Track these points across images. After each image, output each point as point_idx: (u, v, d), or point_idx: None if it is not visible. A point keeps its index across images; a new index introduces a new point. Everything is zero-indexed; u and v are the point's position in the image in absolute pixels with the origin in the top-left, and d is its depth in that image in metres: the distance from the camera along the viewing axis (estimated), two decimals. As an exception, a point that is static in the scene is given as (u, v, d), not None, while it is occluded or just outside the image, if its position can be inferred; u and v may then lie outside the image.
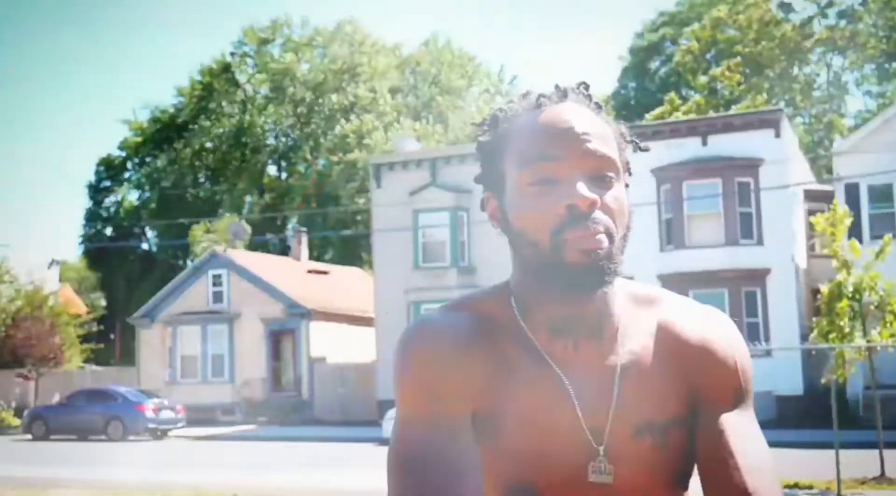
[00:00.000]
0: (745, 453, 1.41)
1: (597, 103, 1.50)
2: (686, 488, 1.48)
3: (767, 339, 25.24)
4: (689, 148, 27.63)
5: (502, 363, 1.45)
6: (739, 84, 45.46)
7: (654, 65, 60.93)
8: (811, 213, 26.50)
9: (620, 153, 1.47)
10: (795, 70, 46.17)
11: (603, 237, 1.39)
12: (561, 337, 1.45)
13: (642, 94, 59.84)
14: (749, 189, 26.96)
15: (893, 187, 26.97)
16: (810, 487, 13.78)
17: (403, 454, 1.38)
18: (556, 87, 1.51)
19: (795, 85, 45.28)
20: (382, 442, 23.10)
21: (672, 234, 27.41)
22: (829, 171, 32.68)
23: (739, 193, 26.85)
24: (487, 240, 29.64)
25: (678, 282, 26.43)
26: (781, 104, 42.74)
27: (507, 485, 1.45)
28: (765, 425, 1.68)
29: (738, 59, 45.18)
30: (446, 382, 1.42)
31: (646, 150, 1.58)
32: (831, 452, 12.73)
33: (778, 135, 27.28)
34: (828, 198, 26.73)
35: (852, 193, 27.32)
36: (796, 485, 13.89)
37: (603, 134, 1.44)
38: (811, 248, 28.54)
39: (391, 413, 23.25)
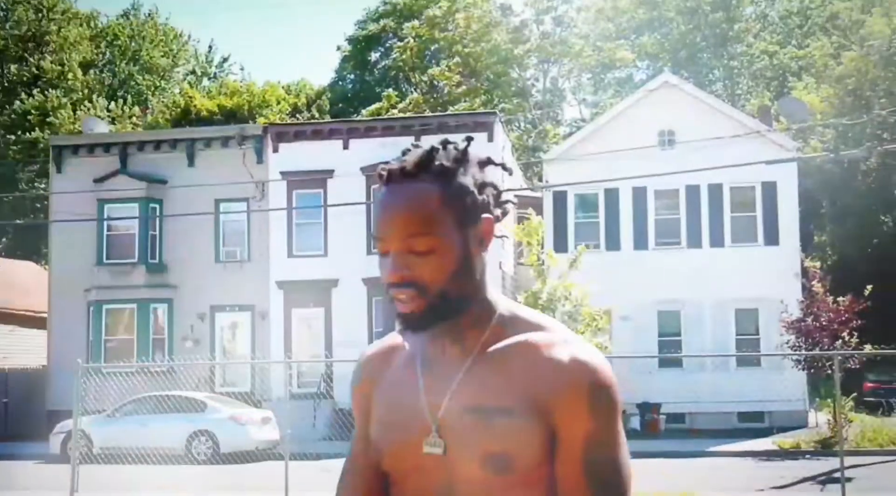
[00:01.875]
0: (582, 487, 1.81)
1: (440, 166, 1.90)
2: (509, 474, 1.81)
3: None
4: (403, 146, 28.04)
5: (388, 372, 2.03)
6: (458, 85, 47.11)
7: (374, 56, 61.94)
8: (521, 219, 27.94)
9: (457, 209, 1.89)
10: (514, 74, 48.50)
11: (410, 301, 1.87)
12: (433, 342, 1.96)
13: (361, 86, 60.64)
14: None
15: (599, 197, 28.95)
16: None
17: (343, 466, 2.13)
18: (399, 163, 1.93)
19: (513, 89, 47.49)
20: (49, 459, 21.94)
21: (381, 237, 27.89)
22: (541, 178, 34.59)
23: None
24: (181, 235, 28.96)
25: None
26: (499, 108, 44.77)
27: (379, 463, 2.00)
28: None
29: (457, 59, 46.83)
30: (356, 407, 2.10)
31: (508, 171, 2.11)
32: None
33: (491, 139, 28.47)
34: (538, 205, 28.27)
35: (560, 201, 29.09)
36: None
37: (419, 211, 1.87)
38: (520, 255, 30.03)
39: (60, 426, 22.14)
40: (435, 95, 50.04)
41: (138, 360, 26.23)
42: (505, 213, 2.00)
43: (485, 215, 1.93)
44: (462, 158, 1.93)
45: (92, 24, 60.96)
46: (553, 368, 1.83)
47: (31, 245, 47.70)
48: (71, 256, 29.15)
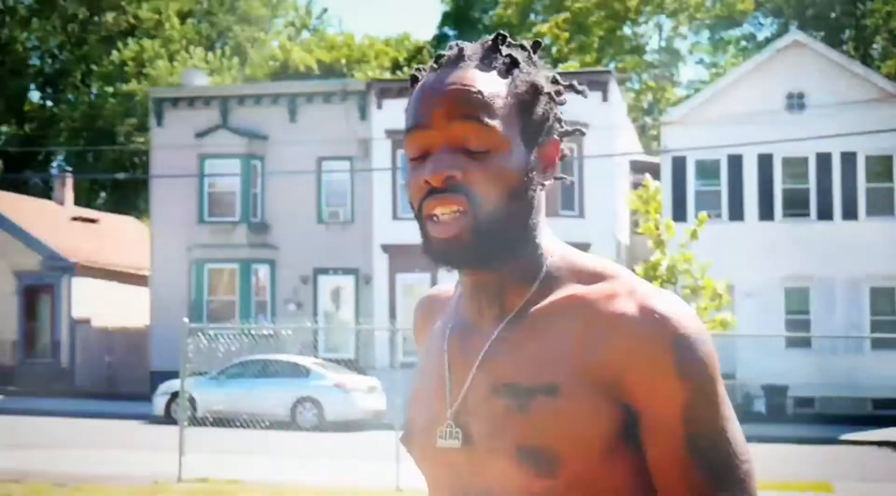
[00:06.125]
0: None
1: (507, 58, 1.50)
2: (553, 476, 1.39)
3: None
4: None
5: (430, 332, 1.65)
6: (568, 42, 46.45)
7: (476, 13, 61.43)
8: (636, 185, 27.46)
9: (524, 114, 1.49)
10: (627, 31, 47.62)
11: (454, 220, 1.43)
12: (470, 302, 1.55)
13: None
14: (571, 156, 27.54)
15: (721, 163, 28.28)
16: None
17: None
18: (455, 45, 1.52)
19: (626, 47, 46.65)
20: (153, 420, 22.41)
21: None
22: (658, 141, 33.97)
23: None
24: (284, 193, 29.20)
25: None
26: (611, 67, 44.00)
27: None
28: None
29: (566, 15, 46.11)
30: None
31: (581, 92, 1.62)
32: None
33: (605, 99, 28.01)
34: (655, 170, 27.75)
35: (679, 167, 28.49)
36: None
37: (485, 99, 1.45)
38: (635, 224, 29.56)
39: (164, 386, 22.57)
40: (542, 53, 49.33)
41: (241, 322, 26.57)
42: (566, 156, 1.61)
43: (554, 136, 1.56)
44: (532, 58, 1.56)
45: (189, -26, 61.60)
46: (618, 326, 1.41)
47: (129, 200, 48.74)
48: (172, 213, 29.56)
